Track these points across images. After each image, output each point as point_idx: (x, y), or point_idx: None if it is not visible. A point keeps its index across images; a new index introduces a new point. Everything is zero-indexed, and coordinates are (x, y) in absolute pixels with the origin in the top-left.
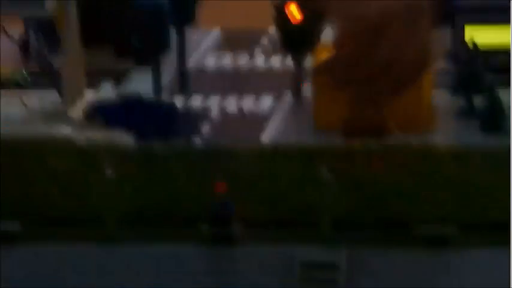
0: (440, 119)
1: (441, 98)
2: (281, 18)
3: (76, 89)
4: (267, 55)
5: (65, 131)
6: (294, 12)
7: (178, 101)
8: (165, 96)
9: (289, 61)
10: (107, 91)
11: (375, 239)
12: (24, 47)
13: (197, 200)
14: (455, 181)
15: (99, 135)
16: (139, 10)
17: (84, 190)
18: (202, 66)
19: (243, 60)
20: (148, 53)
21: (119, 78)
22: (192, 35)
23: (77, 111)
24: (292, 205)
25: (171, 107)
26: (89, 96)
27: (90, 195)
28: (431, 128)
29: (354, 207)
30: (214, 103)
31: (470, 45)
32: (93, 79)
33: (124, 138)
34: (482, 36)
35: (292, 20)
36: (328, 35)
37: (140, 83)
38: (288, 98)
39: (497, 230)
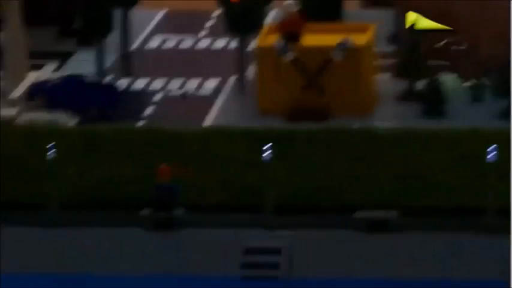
0: (382, 103)
1: (384, 82)
2: (225, 0)
3: (18, 69)
4: (212, 37)
5: (6, 112)
6: None
7: (122, 83)
8: (108, 78)
9: (234, 43)
10: (50, 72)
11: (316, 224)
12: None
13: (139, 182)
14: (396, 163)
15: (41, 116)
16: None
17: (27, 173)
18: (147, 48)
19: (187, 43)
20: (92, 34)
21: (62, 59)
22: (136, 16)
23: (20, 91)
24: (235, 188)
25: (113, 88)
26: (32, 76)
27: (32, 178)
28: (372, 112)
29: (296, 190)
30: (158, 85)
31: (412, 29)
32: (36, 60)
33: (66, 119)
34: (425, 20)
35: (234, 1)
36: (272, 17)
37: (83, 64)
38: (232, 80)
39: (438, 213)
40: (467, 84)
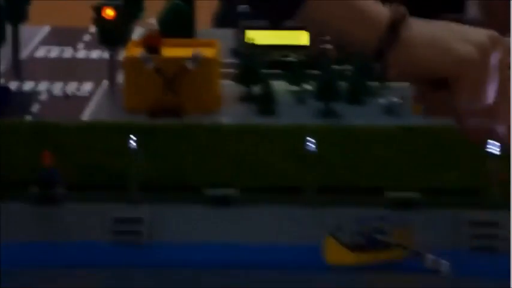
0: (226, 103)
1: (228, 87)
2: (99, 18)
3: None
4: (88, 49)
5: None
6: (108, 12)
7: (13, 85)
8: (1, 81)
9: (106, 54)
10: None
11: (171, 201)
12: None
13: (28, 167)
14: (237, 153)
15: None
16: None
17: None
18: (34, 57)
19: (68, 53)
20: None
21: None
22: (26, 31)
23: None
24: (106, 171)
25: (5, 89)
26: None
27: None
28: (218, 110)
29: (155, 174)
30: (43, 87)
31: (249, 45)
32: None
33: None
34: (259, 37)
35: (106, 19)
36: (137, 33)
37: None
38: (105, 84)
39: (270, 190)
40: (294, 88)
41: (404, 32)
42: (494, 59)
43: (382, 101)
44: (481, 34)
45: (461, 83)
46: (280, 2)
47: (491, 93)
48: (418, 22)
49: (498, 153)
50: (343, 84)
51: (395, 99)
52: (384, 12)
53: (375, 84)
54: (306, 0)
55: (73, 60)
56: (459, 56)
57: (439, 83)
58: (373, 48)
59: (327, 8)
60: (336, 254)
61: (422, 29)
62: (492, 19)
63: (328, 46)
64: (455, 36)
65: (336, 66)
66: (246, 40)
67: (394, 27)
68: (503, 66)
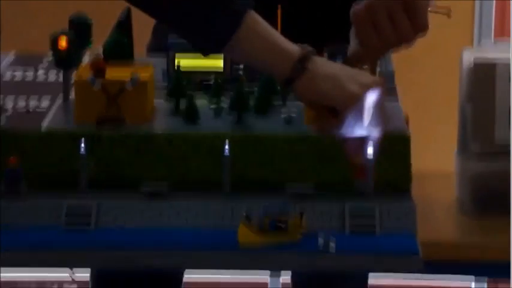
0: (159, 115)
1: (160, 103)
2: (55, 46)
3: None
4: (47, 71)
5: None
6: (62, 42)
7: None
8: None
9: (61, 76)
10: None
11: (114, 195)
12: None
13: None
14: (167, 156)
15: None
16: None
17: None
18: (1, 78)
19: (30, 75)
20: None
21: None
22: None
23: None
24: (60, 172)
25: None
26: None
27: None
28: (152, 121)
29: (101, 174)
30: (9, 103)
31: (177, 69)
32: None
33: None
34: (186, 61)
35: (60, 48)
36: (86, 59)
37: None
38: (59, 100)
39: (196, 187)
40: (212, 105)
41: (310, 65)
42: (375, 97)
43: (283, 113)
44: (368, 78)
45: (345, 113)
46: (210, 40)
47: (363, 122)
48: (322, 60)
49: (371, 155)
50: (252, 99)
51: (292, 113)
52: (295, 49)
53: (277, 100)
54: (231, 38)
55: (34, 81)
56: (347, 92)
57: (330, 110)
58: (285, 76)
59: (250, 44)
60: (246, 237)
61: (324, 66)
62: (366, 47)
63: (240, 70)
64: (348, 77)
65: (246, 88)
66: (174, 65)
67: (303, 61)
68: (379, 105)
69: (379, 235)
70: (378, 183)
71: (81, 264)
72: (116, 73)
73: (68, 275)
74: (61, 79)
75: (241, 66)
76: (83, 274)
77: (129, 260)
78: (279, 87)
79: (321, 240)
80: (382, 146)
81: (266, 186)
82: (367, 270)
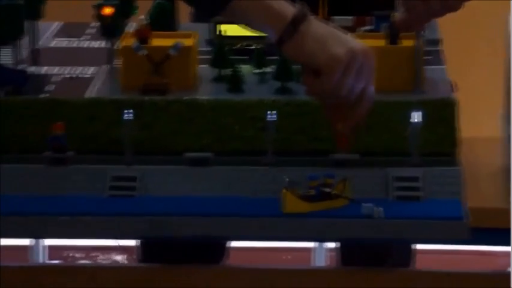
0: (203, 83)
1: (204, 70)
2: (99, 14)
3: None
4: (91, 40)
5: None
6: (106, 10)
7: (31, 69)
8: (21, 66)
9: (105, 44)
10: None
11: (158, 163)
12: None
13: (43, 136)
14: (211, 123)
15: None
16: (2, 5)
17: None
18: (47, 47)
19: (74, 43)
20: (9, 38)
21: None
22: (41, 25)
23: None
24: (106, 139)
25: (23, 72)
26: None
27: None
28: (195, 88)
29: (145, 141)
30: (55, 71)
31: (220, 36)
32: None
33: None
34: (228, 30)
35: (104, 16)
36: (131, 27)
37: (4, 57)
38: (105, 68)
39: (240, 154)
40: (256, 71)
41: (303, 27)
42: (359, 63)
43: None
44: (357, 44)
45: (327, 75)
46: (207, 2)
47: (349, 87)
48: (316, 22)
49: (418, 121)
50: (295, 67)
51: None
52: (289, 10)
53: None
54: (228, 1)
55: (79, 49)
56: (331, 54)
57: (316, 72)
58: (277, 36)
59: (247, 5)
60: (290, 203)
61: (316, 28)
62: (411, 14)
63: None
64: (335, 39)
65: None
66: (217, 32)
67: (296, 23)
68: (366, 72)
69: (424, 201)
70: (423, 148)
71: (126, 232)
72: (160, 41)
73: (114, 241)
74: (105, 47)
75: None
76: (130, 240)
77: (173, 228)
78: None
79: (365, 207)
80: (428, 111)
81: (310, 154)
82: (412, 238)
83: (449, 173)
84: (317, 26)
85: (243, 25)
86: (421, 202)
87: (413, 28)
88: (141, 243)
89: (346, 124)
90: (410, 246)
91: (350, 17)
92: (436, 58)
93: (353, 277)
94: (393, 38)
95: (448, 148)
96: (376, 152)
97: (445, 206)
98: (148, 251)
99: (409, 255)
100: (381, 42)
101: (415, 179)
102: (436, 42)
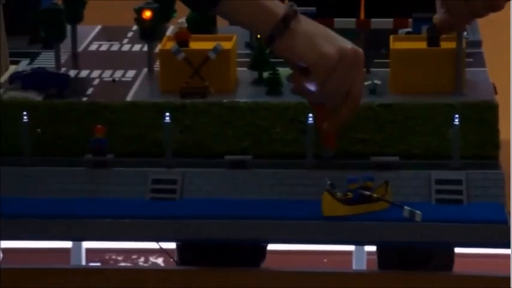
0: (242, 85)
1: (243, 73)
2: (139, 18)
3: (2, 64)
4: (131, 43)
5: None
6: (146, 14)
7: (72, 72)
8: (62, 69)
9: (145, 47)
10: (23, 66)
11: (199, 165)
12: None
13: (84, 138)
14: (250, 126)
15: (18, 94)
16: (45, 10)
17: (7, 134)
18: (88, 50)
19: (115, 47)
20: (51, 41)
21: (32, 57)
22: (81, 29)
23: (3, 79)
24: (147, 142)
25: (66, 76)
26: (12, 69)
27: (10, 138)
28: (235, 91)
29: (185, 143)
30: (95, 74)
31: (259, 38)
32: (14, 58)
33: (35, 96)
34: None
35: (144, 20)
36: (170, 31)
37: (46, 61)
38: (144, 71)
39: (279, 157)
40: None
41: (293, 25)
42: (348, 62)
43: (366, 83)
44: (346, 43)
45: (316, 73)
46: (199, 1)
47: (336, 86)
48: (306, 20)
49: (457, 124)
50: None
51: (376, 81)
52: (280, 7)
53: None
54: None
55: (119, 52)
56: (320, 52)
57: (305, 70)
58: (267, 35)
59: (238, 3)
60: (330, 206)
61: (307, 27)
62: (453, 15)
63: None
64: (325, 38)
65: None
66: (257, 35)
67: (286, 20)
68: (355, 71)
69: (466, 204)
70: (465, 151)
71: (166, 235)
72: (199, 44)
73: (154, 243)
74: (145, 51)
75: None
76: (170, 243)
77: (213, 231)
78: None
79: (406, 210)
80: (470, 113)
81: (350, 157)
82: (454, 242)
83: (492, 176)
84: (307, 24)
85: (234, 23)
86: (463, 205)
87: (455, 29)
88: (179, 245)
89: (332, 123)
90: (453, 250)
91: (390, 19)
92: (478, 60)
93: (392, 281)
94: (434, 40)
95: (490, 151)
96: (416, 155)
97: (488, 210)
98: (187, 254)
99: (451, 259)
100: (422, 45)
101: (457, 182)
102: (477, 43)
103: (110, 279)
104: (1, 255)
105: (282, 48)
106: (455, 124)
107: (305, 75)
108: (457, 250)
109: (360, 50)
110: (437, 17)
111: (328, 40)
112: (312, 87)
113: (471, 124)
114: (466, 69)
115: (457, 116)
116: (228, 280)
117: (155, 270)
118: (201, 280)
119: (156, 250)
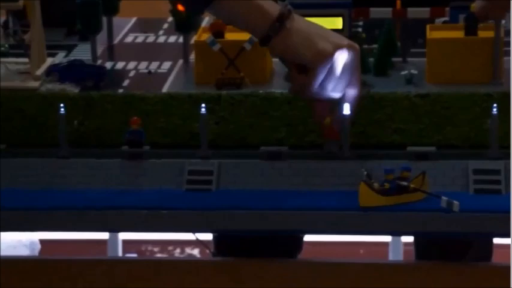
0: (277, 76)
1: (279, 63)
2: (175, 10)
3: (40, 56)
4: (167, 35)
5: (32, 84)
6: (181, 6)
7: (108, 64)
8: (99, 61)
9: (181, 39)
10: (60, 58)
11: (235, 156)
12: (5, 28)
13: (120, 130)
14: (285, 117)
15: (55, 86)
16: (81, 2)
17: (45, 125)
18: (124, 42)
19: (150, 39)
20: (88, 33)
21: (68, 49)
22: (117, 21)
23: (41, 71)
24: (183, 133)
25: (103, 68)
26: (49, 61)
27: (48, 129)
28: (270, 82)
29: (221, 135)
30: (131, 66)
31: None
32: (51, 50)
33: (71, 88)
34: None
35: (180, 12)
36: (206, 21)
37: (83, 53)
38: (180, 63)
39: (315, 147)
40: None
41: (288, 24)
42: (348, 59)
43: (403, 73)
44: (342, 39)
45: (313, 70)
46: (192, 1)
47: (335, 84)
48: (301, 19)
49: (496, 113)
50: (371, 60)
51: (413, 71)
52: (275, 7)
53: (397, 59)
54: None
55: (155, 44)
56: (317, 50)
57: (301, 68)
58: (262, 34)
59: (230, 4)
60: (368, 198)
61: (302, 25)
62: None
63: (359, 29)
64: (320, 35)
65: (365, 46)
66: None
67: (282, 19)
68: (352, 67)
69: (505, 194)
70: (503, 141)
71: (202, 226)
72: (234, 35)
73: (191, 234)
74: (181, 42)
75: (361, 23)
76: (206, 234)
77: (249, 222)
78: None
79: (444, 200)
80: (507, 103)
81: (386, 147)
82: (492, 232)
83: None
84: (302, 23)
85: (228, 22)
86: (502, 195)
87: (493, 16)
88: (216, 236)
89: (334, 119)
90: (491, 240)
91: (426, 9)
92: None
93: (430, 271)
94: (472, 29)
95: None
96: (454, 145)
97: None
98: (223, 245)
99: (489, 249)
100: (459, 34)
101: (495, 171)
102: None
103: (146, 269)
104: (39, 246)
105: (278, 47)
106: (494, 114)
107: (302, 74)
108: (496, 240)
109: (356, 45)
110: (476, 5)
111: (324, 37)
112: (310, 85)
113: (509, 114)
114: (505, 58)
115: (495, 105)
116: (264, 271)
117: (191, 261)
118: (237, 271)
119: (193, 241)
